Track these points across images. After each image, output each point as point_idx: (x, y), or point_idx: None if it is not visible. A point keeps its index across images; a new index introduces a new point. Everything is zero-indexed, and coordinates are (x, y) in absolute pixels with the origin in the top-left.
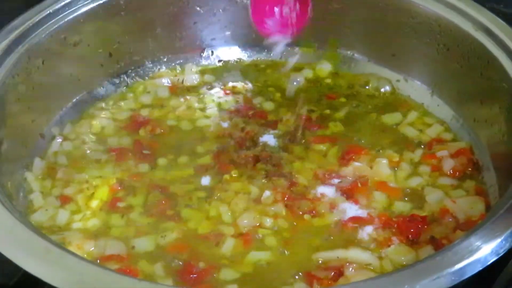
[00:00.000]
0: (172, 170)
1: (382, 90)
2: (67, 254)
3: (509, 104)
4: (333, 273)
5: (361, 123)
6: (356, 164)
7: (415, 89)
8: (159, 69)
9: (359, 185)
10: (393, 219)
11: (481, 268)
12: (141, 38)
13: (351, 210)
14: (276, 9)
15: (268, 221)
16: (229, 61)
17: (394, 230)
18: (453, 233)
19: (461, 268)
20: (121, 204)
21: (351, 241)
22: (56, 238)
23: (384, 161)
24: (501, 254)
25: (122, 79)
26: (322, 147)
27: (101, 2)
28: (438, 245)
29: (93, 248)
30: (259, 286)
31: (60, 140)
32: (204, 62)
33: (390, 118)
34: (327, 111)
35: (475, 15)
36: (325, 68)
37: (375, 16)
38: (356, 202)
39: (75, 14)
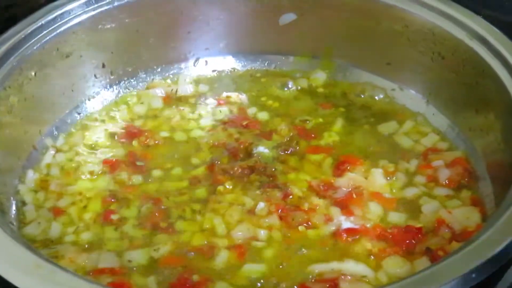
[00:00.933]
0: (165, 181)
1: (377, 99)
2: (57, 269)
3: (504, 113)
4: (328, 285)
5: (356, 133)
6: (351, 174)
7: (410, 98)
8: (152, 79)
9: (354, 196)
10: (388, 230)
11: (477, 282)
12: (134, 49)
13: (346, 221)
14: None
15: (262, 233)
16: (223, 71)
17: (389, 241)
18: (449, 244)
19: (457, 281)
20: (114, 217)
21: (346, 253)
22: (49, 252)
23: (379, 171)
24: (498, 266)
25: (115, 89)
26: (317, 157)
27: (93, 12)
28: (433, 256)
29: (86, 261)
30: None
31: (53, 152)
32: (198, 72)
33: (385, 128)
34: (322, 121)
35: (470, 23)
36: (319, 77)
37: (369, 25)
38: (351, 213)
39: (68, 25)
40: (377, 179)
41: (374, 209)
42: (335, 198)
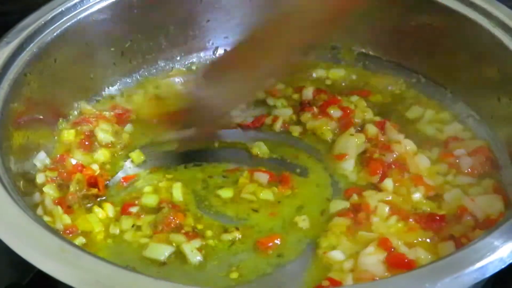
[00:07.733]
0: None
1: (397, 88)
2: (82, 253)
3: None
4: None
5: None
6: None
7: (431, 87)
8: (172, 68)
9: None
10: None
11: (503, 267)
12: (153, 37)
13: None
14: None
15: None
16: None
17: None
18: (472, 232)
19: (483, 267)
20: (133, 209)
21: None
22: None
23: None
24: None
25: (134, 77)
26: None
27: (113, 0)
28: (457, 243)
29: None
30: None
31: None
32: None
33: (410, 114)
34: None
35: (491, 10)
36: (338, 72)
37: (390, 14)
38: None
39: (87, 12)
40: None
41: None
42: None
